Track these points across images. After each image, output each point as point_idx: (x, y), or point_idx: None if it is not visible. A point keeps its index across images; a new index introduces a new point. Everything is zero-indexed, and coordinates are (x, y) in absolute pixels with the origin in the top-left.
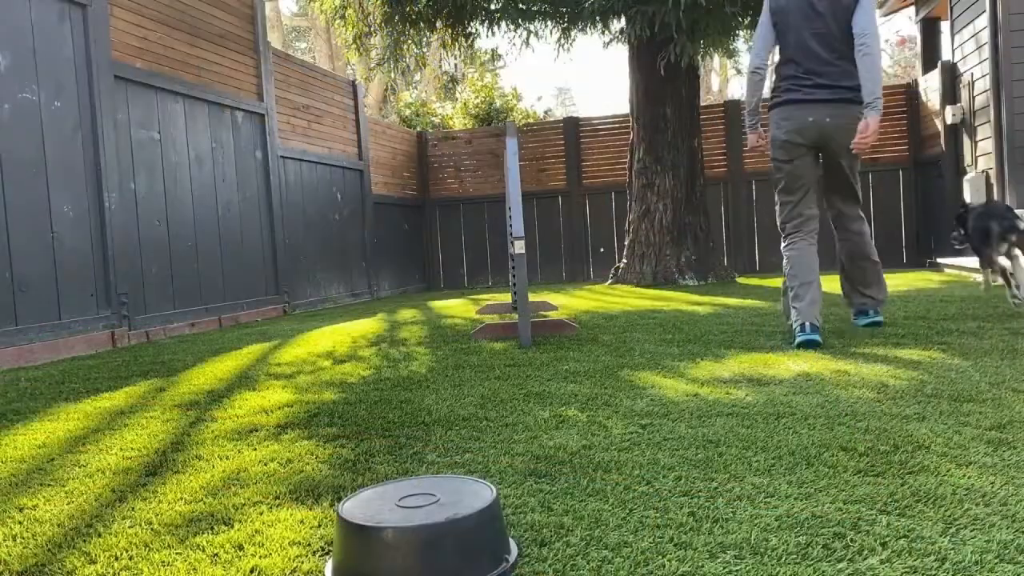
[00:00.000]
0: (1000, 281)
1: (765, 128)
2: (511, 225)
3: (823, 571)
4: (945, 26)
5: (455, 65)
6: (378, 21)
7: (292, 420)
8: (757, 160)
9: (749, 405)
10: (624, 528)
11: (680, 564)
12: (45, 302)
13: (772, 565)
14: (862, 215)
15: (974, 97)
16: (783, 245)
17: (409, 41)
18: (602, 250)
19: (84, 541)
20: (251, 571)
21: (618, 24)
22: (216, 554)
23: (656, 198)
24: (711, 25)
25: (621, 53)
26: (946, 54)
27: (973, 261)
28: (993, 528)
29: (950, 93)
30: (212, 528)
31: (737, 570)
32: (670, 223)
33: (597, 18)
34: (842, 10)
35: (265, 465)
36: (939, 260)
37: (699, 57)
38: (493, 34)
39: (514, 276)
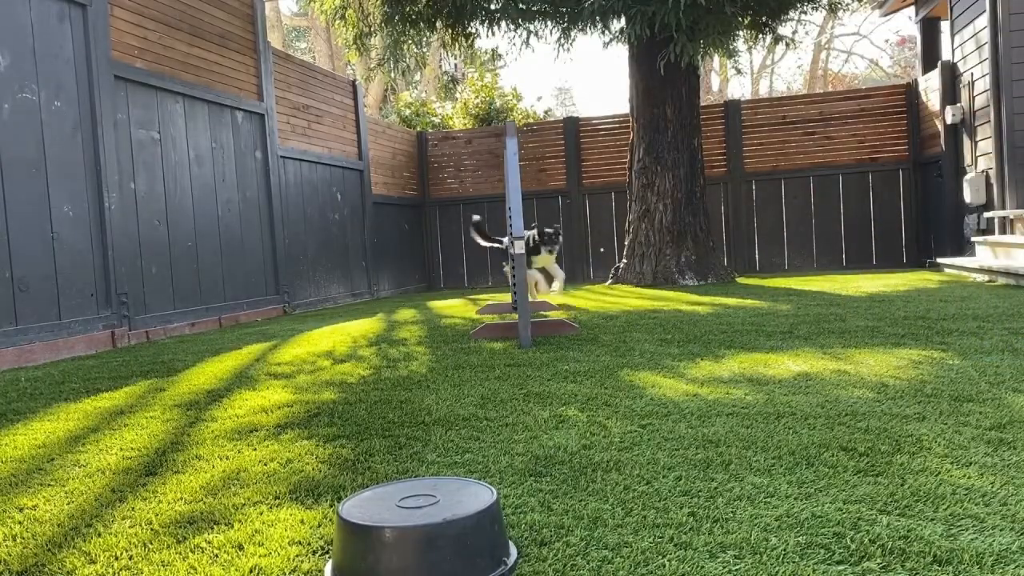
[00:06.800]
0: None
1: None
2: (511, 225)
3: (823, 571)
4: (945, 26)
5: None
6: (378, 21)
7: (292, 420)
8: (757, 160)
9: (749, 405)
10: (624, 528)
11: (680, 564)
12: (45, 302)
13: (772, 565)
14: None
15: (974, 97)
16: None
17: (409, 41)
18: (602, 250)
19: (84, 541)
20: (251, 571)
21: (618, 24)
22: (216, 554)
23: (656, 198)
24: (711, 25)
25: (621, 53)
26: (946, 54)
27: (973, 261)
28: (993, 528)
29: (950, 93)
30: (212, 528)
31: (737, 570)
32: (670, 223)
33: (597, 18)
34: None
35: (265, 465)
36: (939, 260)
37: (699, 57)
38: (493, 34)
39: (514, 276)
